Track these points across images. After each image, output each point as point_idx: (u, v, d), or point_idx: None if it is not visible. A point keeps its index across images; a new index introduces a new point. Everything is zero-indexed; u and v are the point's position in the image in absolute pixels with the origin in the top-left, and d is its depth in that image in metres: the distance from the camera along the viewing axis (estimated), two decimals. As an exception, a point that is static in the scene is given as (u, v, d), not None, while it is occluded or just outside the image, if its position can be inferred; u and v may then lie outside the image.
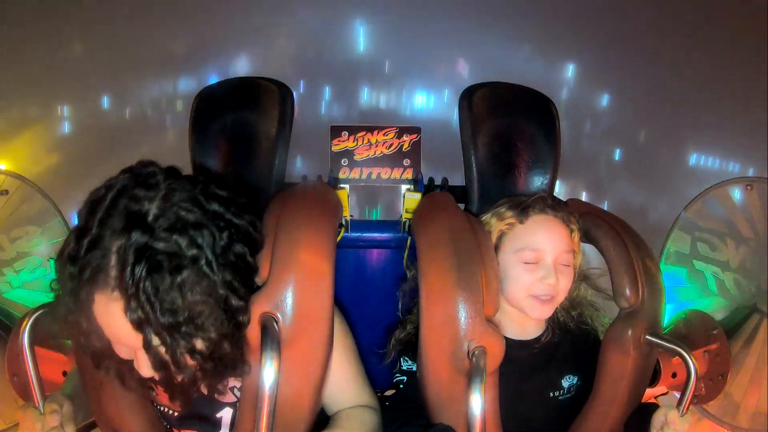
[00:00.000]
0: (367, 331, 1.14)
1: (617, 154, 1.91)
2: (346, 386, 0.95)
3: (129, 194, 0.72)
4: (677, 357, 0.91)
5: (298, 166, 1.72)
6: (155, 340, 0.71)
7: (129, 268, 0.68)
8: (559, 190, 1.53)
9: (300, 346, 0.80)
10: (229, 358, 0.79)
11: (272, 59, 1.74)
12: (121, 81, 1.89)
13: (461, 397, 0.83)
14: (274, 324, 0.77)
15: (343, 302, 1.00)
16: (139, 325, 0.70)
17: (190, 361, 0.75)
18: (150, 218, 0.71)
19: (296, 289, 0.79)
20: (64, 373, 1.19)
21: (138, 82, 1.90)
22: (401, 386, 1.01)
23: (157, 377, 0.77)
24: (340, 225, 1.18)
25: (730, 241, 1.88)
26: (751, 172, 1.81)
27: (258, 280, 0.82)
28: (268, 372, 0.74)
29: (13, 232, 1.79)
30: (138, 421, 0.89)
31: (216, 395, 0.86)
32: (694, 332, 1.51)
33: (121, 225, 0.70)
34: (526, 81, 1.27)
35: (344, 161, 1.29)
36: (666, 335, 0.96)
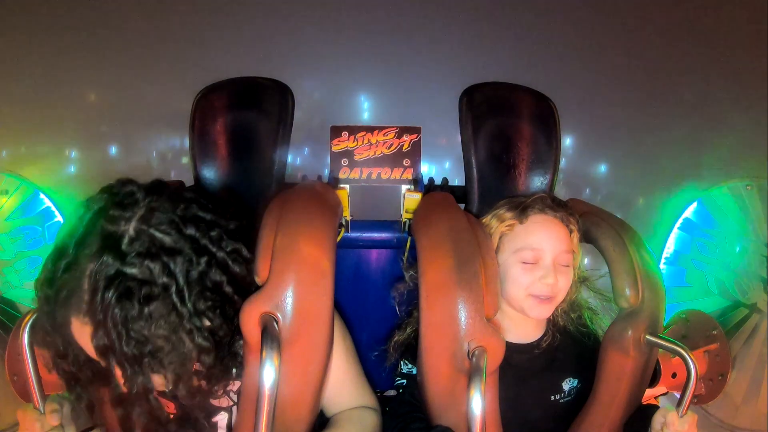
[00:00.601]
0: (367, 331, 1.15)
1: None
2: (344, 387, 0.95)
3: (105, 215, 0.71)
4: (677, 357, 0.91)
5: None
6: (117, 371, 0.71)
7: (99, 294, 0.68)
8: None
9: (300, 346, 0.80)
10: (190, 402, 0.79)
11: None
12: (131, 132, 1.99)
13: (461, 397, 0.83)
14: (274, 324, 0.77)
15: (342, 302, 1.00)
16: (103, 352, 0.69)
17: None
18: (125, 241, 0.70)
19: (296, 289, 0.79)
20: (64, 373, 1.19)
21: (146, 134, 2.00)
22: (401, 390, 1.01)
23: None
24: (340, 225, 1.18)
25: (730, 241, 1.88)
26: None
27: (258, 280, 0.82)
28: (268, 372, 0.74)
29: (13, 232, 1.79)
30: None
31: (211, 399, 0.86)
32: (694, 332, 1.51)
33: (95, 247, 0.69)
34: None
35: (344, 161, 1.28)
36: (666, 335, 0.96)
